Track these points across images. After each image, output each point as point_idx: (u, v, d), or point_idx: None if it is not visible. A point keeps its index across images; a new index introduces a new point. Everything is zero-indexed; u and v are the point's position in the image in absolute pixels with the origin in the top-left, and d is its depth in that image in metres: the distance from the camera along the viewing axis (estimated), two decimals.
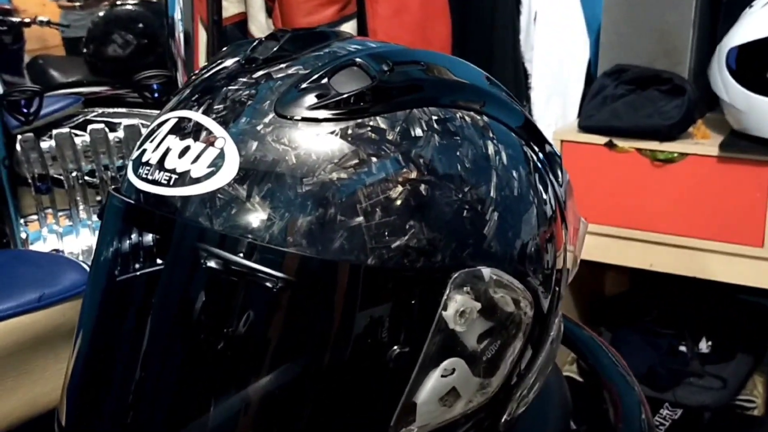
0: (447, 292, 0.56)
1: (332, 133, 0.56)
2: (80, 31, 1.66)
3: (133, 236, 0.62)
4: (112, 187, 0.64)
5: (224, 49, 0.69)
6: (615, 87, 1.85)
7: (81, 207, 1.64)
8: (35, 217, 1.63)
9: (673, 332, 2.07)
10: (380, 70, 0.58)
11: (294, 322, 0.56)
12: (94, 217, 1.64)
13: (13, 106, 1.51)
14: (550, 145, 0.68)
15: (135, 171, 0.60)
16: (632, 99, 1.82)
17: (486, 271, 0.58)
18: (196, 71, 0.68)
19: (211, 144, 0.57)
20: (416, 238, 0.56)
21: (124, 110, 1.62)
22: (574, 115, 1.99)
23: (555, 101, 2.01)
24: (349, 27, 1.79)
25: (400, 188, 0.56)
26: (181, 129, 0.59)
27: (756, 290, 1.77)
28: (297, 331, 0.56)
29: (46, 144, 1.60)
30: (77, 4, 1.68)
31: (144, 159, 0.60)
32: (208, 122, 0.58)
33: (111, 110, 1.62)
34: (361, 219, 0.55)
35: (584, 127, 1.85)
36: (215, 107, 0.59)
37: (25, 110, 1.51)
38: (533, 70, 1.99)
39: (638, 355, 2.00)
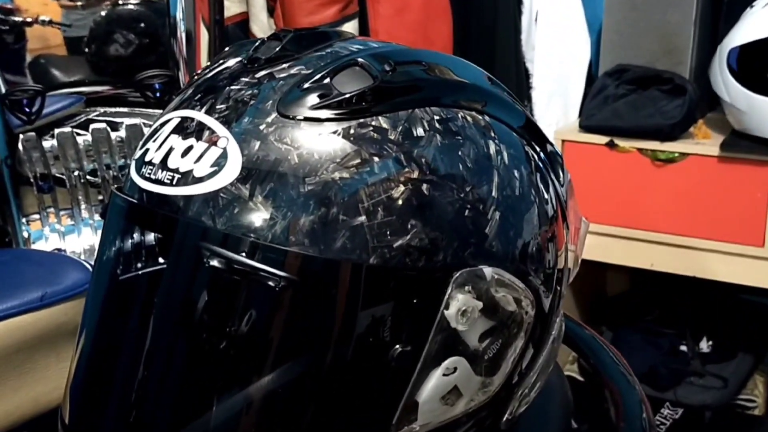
0: (449, 291, 0.57)
1: (334, 132, 0.56)
2: (82, 30, 1.65)
3: (136, 235, 0.63)
4: (115, 186, 0.64)
5: (226, 48, 0.69)
6: (616, 87, 1.85)
7: (83, 206, 1.64)
8: (37, 216, 1.63)
9: (673, 332, 2.07)
10: (382, 70, 0.58)
11: (296, 321, 0.56)
12: (96, 217, 1.64)
13: (15, 105, 1.51)
14: (552, 144, 0.68)
15: (138, 170, 0.60)
16: (633, 99, 1.82)
17: (488, 271, 0.58)
18: (199, 71, 0.68)
19: (214, 143, 0.57)
20: (418, 237, 0.56)
21: (125, 110, 1.62)
22: (575, 114, 1.99)
23: (556, 101, 2.01)
24: (351, 27, 1.79)
25: (402, 188, 0.56)
26: (183, 128, 0.59)
27: (757, 290, 1.77)
28: (299, 330, 0.56)
29: (48, 143, 1.60)
30: (79, 3, 1.68)
31: (147, 158, 0.60)
32: (210, 122, 0.58)
33: (113, 110, 1.62)
34: (363, 218, 0.55)
35: (585, 126, 1.86)
36: (218, 107, 0.59)
37: (27, 109, 1.52)
38: (534, 70, 2.00)
39: (639, 355, 2.00)
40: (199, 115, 0.59)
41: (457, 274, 0.57)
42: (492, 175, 0.59)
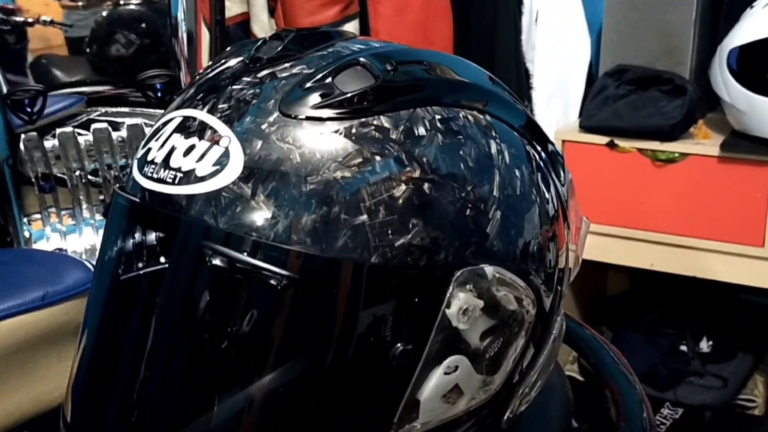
0: (450, 290, 0.57)
1: (336, 132, 0.57)
2: (83, 30, 1.66)
3: (138, 235, 0.63)
4: (117, 185, 0.64)
5: (228, 48, 0.69)
6: (616, 87, 1.85)
7: (84, 206, 1.65)
8: (38, 216, 1.64)
9: (674, 332, 2.07)
10: (384, 70, 0.58)
11: (298, 319, 0.56)
12: (98, 216, 1.65)
13: (17, 105, 1.52)
14: (553, 144, 0.69)
15: (140, 169, 0.61)
16: (633, 99, 1.82)
17: (489, 269, 0.58)
18: (201, 71, 0.68)
19: (216, 143, 0.57)
20: (419, 236, 0.56)
21: (127, 110, 1.62)
22: (575, 115, 2.00)
23: (556, 101, 2.01)
24: (352, 27, 1.79)
25: (403, 187, 0.56)
26: (186, 128, 0.59)
27: (757, 290, 1.77)
28: (301, 328, 0.56)
29: (49, 143, 1.60)
30: (80, 3, 1.68)
31: (149, 157, 0.60)
32: (212, 121, 0.58)
33: (114, 109, 1.62)
34: (364, 217, 0.55)
35: (585, 127, 1.86)
36: (220, 106, 0.59)
37: (28, 109, 1.52)
38: (535, 70, 2.00)
39: (639, 355, 2.00)
40: (201, 115, 0.59)
41: (459, 273, 0.57)
42: (493, 175, 0.60)
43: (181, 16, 1.52)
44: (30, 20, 1.62)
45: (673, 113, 1.76)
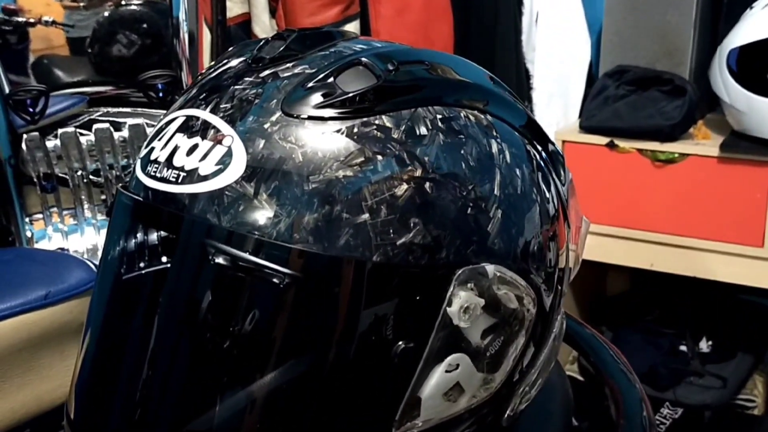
0: (451, 288, 0.57)
1: (338, 131, 0.57)
2: (84, 31, 1.66)
3: (142, 233, 0.63)
4: (121, 184, 0.65)
5: (230, 48, 0.69)
6: (616, 87, 1.85)
7: (86, 206, 1.65)
8: (40, 215, 1.63)
9: (673, 332, 2.08)
10: (385, 70, 0.59)
11: (301, 317, 0.57)
12: (99, 216, 1.65)
13: (19, 105, 1.52)
14: (553, 144, 0.69)
15: (143, 169, 0.61)
16: (633, 99, 1.82)
17: (490, 268, 0.59)
18: (203, 71, 0.68)
19: (219, 142, 0.58)
20: (421, 235, 0.56)
21: (128, 110, 1.62)
22: (575, 115, 2.00)
23: (556, 102, 2.01)
24: (352, 27, 1.79)
25: (405, 186, 0.56)
26: (189, 127, 0.60)
27: (756, 290, 1.77)
28: (303, 326, 0.57)
29: (51, 143, 1.60)
30: (81, 4, 1.68)
31: (152, 157, 0.60)
32: (215, 120, 0.59)
33: (115, 110, 1.63)
34: (366, 216, 0.55)
35: (585, 127, 1.86)
36: (222, 106, 0.60)
37: (30, 109, 1.52)
38: (535, 71, 2.00)
39: (639, 355, 2.00)
40: (204, 114, 0.60)
41: (460, 272, 0.57)
42: (494, 174, 0.60)
43: (182, 16, 1.52)
44: (32, 20, 1.62)
45: (672, 114, 1.76)
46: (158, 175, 0.59)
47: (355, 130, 0.57)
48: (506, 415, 0.66)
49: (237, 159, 0.57)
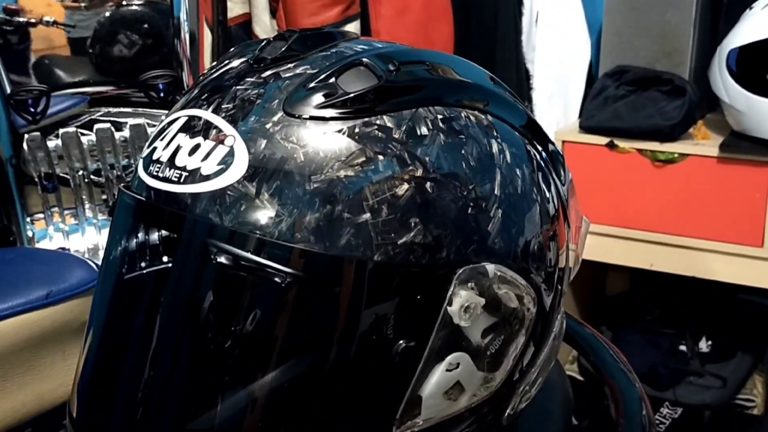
0: (452, 287, 0.57)
1: (339, 131, 0.57)
2: (86, 31, 1.66)
3: (144, 233, 0.63)
4: (123, 184, 0.65)
5: (232, 49, 0.69)
6: (616, 88, 1.86)
7: (87, 205, 1.65)
8: (42, 215, 1.64)
9: (673, 332, 2.08)
10: (386, 70, 0.59)
11: (302, 316, 0.57)
12: (100, 216, 1.65)
13: (20, 105, 1.52)
14: (553, 144, 0.69)
15: (146, 168, 0.61)
16: (633, 100, 1.83)
17: (490, 268, 0.59)
18: (205, 71, 0.69)
19: (221, 142, 0.58)
20: (422, 234, 0.57)
21: (129, 110, 1.63)
22: (575, 115, 2.00)
23: (556, 102, 2.02)
24: (353, 27, 1.79)
25: (405, 186, 0.57)
26: (191, 127, 0.60)
27: (756, 290, 1.77)
28: (305, 325, 0.57)
29: (52, 143, 1.60)
30: (82, 4, 1.69)
31: (154, 157, 0.61)
32: (217, 120, 0.59)
33: (116, 110, 1.63)
34: (367, 216, 0.56)
35: (585, 127, 1.86)
36: (224, 106, 0.60)
37: (32, 109, 1.52)
38: (535, 71, 2.00)
39: (639, 355, 2.00)
40: (206, 114, 0.60)
41: (460, 271, 0.58)
42: (494, 174, 0.60)
43: (183, 16, 1.53)
44: (33, 21, 1.62)
45: (672, 114, 1.76)
46: (160, 174, 0.59)
47: (357, 130, 0.57)
48: (506, 414, 0.66)
49: (239, 159, 0.57)
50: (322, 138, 0.57)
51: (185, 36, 1.54)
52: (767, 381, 2.02)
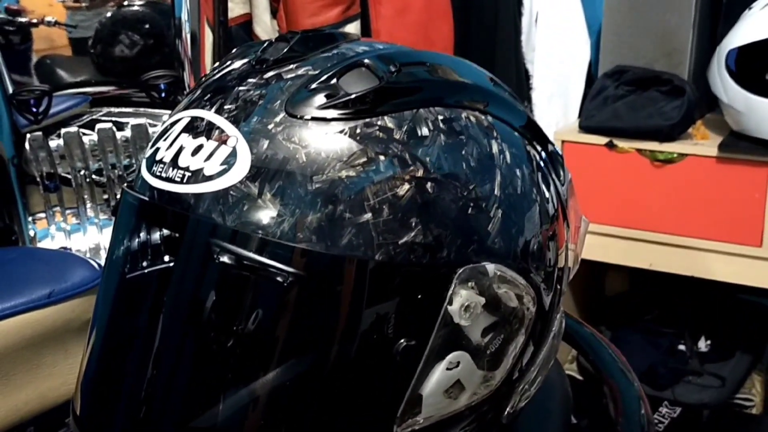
0: (452, 287, 0.58)
1: (341, 132, 0.58)
2: (87, 31, 1.67)
3: (147, 233, 0.64)
4: (126, 184, 0.65)
5: (234, 50, 0.70)
6: (615, 88, 1.86)
7: (88, 205, 1.65)
8: (43, 215, 1.64)
9: (672, 331, 2.08)
10: (387, 71, 0.59)
11: (304, 315, 0.57)
12: (102, 215, 1.66)
13: (22, 105, 1.52)
14: (552, 144, 0.70)
15: (149, 169, 0.62)
16: (632, 100, 1.83)
17: (490, 267, 0.59)
18: (207, 72, 0.69)
19: (224, 142, 0.58)
20: (422, 234, 0.57)
21: (131, 110, 1.63)
22: (574, 115, 2.00)
23: (556, 102, 2.02)
24: (353, 27, 1.80)
25: (406, 186, 0.57)
26: (194, 128, 0.60)
27: (755, 290, 1.77)
28: (307, 324, 0.57)
29: (54, 143, 1.61)
30: (83, 4, 1.69)
31: (158, 157, 0.61)
32: (220, 121, 0.60)
33: (118, 110, 1.63)
34: (368, 216, 0.56)
35: (585, 127, 1.86)
36: (227, 107, 0.60)
37: (34, 109, 1.53)
38: (534, 71, 2.00)
39: (638, 354, 2.01)
40: (208, 115, 0.60)
41: (461, 271, 0.58)
42: (494, 174, 0.61)
43: (184, 16, 1.53)
44: (34, 21, 1.63)
45: (671, 114, 1.76)
46: (163, 175, 0.60)
47: (358, 130, 0.58)
48: (506, 413, 0.67)
49: (241, 159, 0.57)
50: (323, 138, 0.58)
51: (186, 36, 1.54)
52: (766, 380, 2.02)
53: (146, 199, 0.61)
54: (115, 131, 1.63)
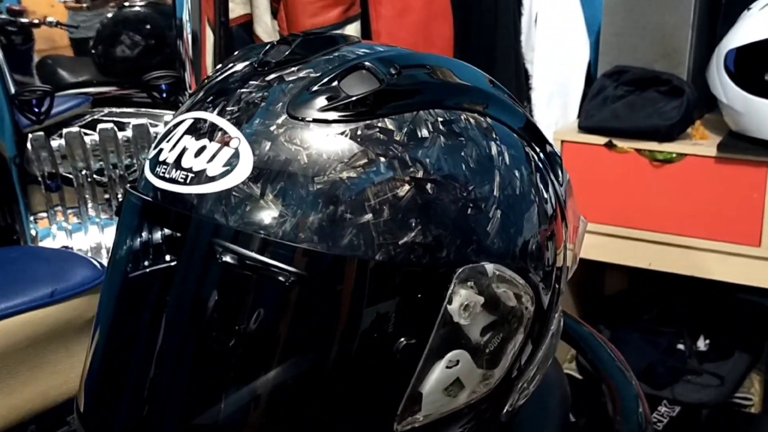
0: (452, 286, 0.58)
1: (342, 133, 0.58)
2: (88, 32, 1.67)
3: (150, 233, 0.64)
4: (129, 185, 0.66)
5: (236, 53, 0.70)
6: (615, 88, 1.86)
7: (90, 205, 1.66)
8: (45, 214, 1.65)
9: (671, 330, 2.08)
10: (388, 74, 0.60)
11: (305, 314, 0.58)
12: (103, 215, 1.66)
13: (24, 105, 1.53)
14: (551, 145, 0.70)
15: (152, 170, 0.62)
16: (632, 100, 1.83)
17: (489, 267, 0.60)
18: (209, 74, 0.70)
19: (226, 144, 0.59)
20: (422, 234, 0.58)
21: (132, 110, 1.64)
22: (574, 115, 2.00)
23: (556, 102, 2.02)
24: (353, 28, 1.80)
25: (407, 187, 0.58)
26: (196, 129, 0.61)
27: (753, 289, 1.77)
28: (308, 323, 0.58)
29: (56, 143, 1.61)
30: (84, 5, 1.70)
31: (161, 158, 0.62)
32: (222, 123, 0.60)
33: (119, 110, 1.64)
34: (369, 216, 0.57)
35: (584, 127, 1.86)
36: (229, 109, 0.61)
37: (36, 109, 1.53)
38: (534, 71, 2.01)
39: (637, 353, 2.01)
40: (211, 117, 0.61)
41: (460, 270, 0.59)
42: (494, 175, 0.61)
43: (185, 17, 1.53)
44: (36, 21, 1.63)
45: (670, 114, 1.77)
46: (167, 176, 0.60)
47: (359, 132, 0.58)
48: (505, 411, 0.67)
49: (244, 160, 0.58)
50: (324, 140, 0.58)
51: (187, 36, 1.55)
52: (765, 380, 2.02)
53: (150, 199, 0.62)
54: (116, 131, 1.63)
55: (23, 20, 1.63)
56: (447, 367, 0.60)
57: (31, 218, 1.63)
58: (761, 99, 1.65)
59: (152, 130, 1.62)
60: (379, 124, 0.59)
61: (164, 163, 0.61)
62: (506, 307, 0.62)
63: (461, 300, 0.59)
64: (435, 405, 0.61)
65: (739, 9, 1.76)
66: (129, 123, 1.62)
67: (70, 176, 1.64)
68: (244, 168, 0.58)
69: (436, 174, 0.59)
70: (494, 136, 0.63)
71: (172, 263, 0.63)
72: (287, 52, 0.63)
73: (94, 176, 1.65)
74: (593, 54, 2.04)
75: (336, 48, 0.65)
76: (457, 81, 0.65)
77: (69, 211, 1.66)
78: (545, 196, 0.66)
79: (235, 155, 0.58)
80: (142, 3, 1.68)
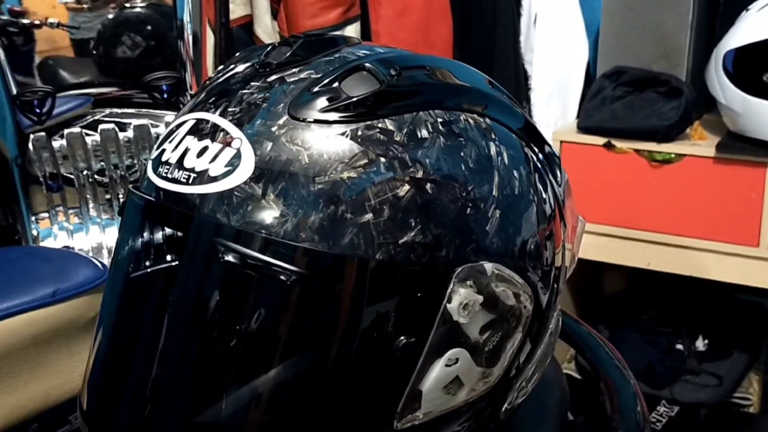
0: (451, 285, 0.59)
1: (343, 134, 0.59)
2: (89, 32, 1.68)
3: (153, 233, 0.65)
4: (132, 185, 0.66)
5: (237, 54, 0.71)
6: (614, 88, 1.86)
7: (91, 205, 1.66)
8: (46, 214, 1.65)
9: (670, 330, 2.08)
10: (388, 75, 0.61)
11: (306, 313, 0.58)
12: (104, 215, 1.67)
13: (26, 106, 1.53)
14: (550, 146, 0.71)
15: (155, 170, 0.63)
16: (630, 100, 1.83)
17: (488, 266, 0.60)
18: (211, 75, 0.70)
19: (228, 144, 0.59)
20: (422, 234, 0.58)
21: (133, 111, 1.64)
22: (573, 115, 2.01)
23: (555, 102, 2.02)
24: (353, 29, 1.80)
25: (406, 187, 0.58)
26: (199, 130, 0.62)
27: (752, 289, 1.78)
28: (309, 321, 0.58)
29: (57, 143, 1.61)
30: (85, 6, 1.70)
31: (163, 158, 0.62)
32: (224, 123, 0.61)
33: (120, 110, 1.64)
34: (369, 216, 0.57)
35: (583, 127, 1.87)
36: (231, 109, 0.61)
37: (37, 110, 1.53)
38: (533, 72, 2.01)
39: (636, 353, 2.01)
40: (213, 117, 0.62)
41: (459, 270, 0.59)
42: (493, 175, 0.62)
43: (186, 18, 1.54)
44: (37, 22, 1.63)
45: (669, 114, 1.77)
46: (169, 176, 0.61)
47: (359, 133, 0.59)
48: (504, 409, 0.68)
49: (246, 161, 0.58)
50: (325, 141, 0.59)
51: (188, 37, 1.55)
52: (763, 379, 2.03)
53: (152, 199, 0.62)
54: (117, 132, 1.63)
55: (24, 21, 1.63)
56: (446, 366, 0.60)
57: (33, 218, 1.63)
58: (760, 99, 1.65)
59: (153, 130, 1.63)
60: (380, 125, 0.59)
61: (167, 163, 0.62)
62: (505, 305, 0.62)
63: (460, 299, 0.59)
64: (434, 403, 0.61)
65: (737, 10, 1.76)
66: (130, 123, 1.63)
67: (72, 176, 1.64)
68: (246, 168, 0.58)
69: (436, 174, 0.59)
70: (493, 136, 0.64)
71: (175, 263, 0.64)
72: (288, 54, 0.64)
73: (96, 176, 1.65)
74: (592, 54, 2.04)
75: (337, 49, 0.66)
76: (457, 82, 0.66)
77: (70, 211, 1.66)
78: (544, 196, 0.66)
79: (237, 155, 0.59)
80: (143, 4, 1.68)
